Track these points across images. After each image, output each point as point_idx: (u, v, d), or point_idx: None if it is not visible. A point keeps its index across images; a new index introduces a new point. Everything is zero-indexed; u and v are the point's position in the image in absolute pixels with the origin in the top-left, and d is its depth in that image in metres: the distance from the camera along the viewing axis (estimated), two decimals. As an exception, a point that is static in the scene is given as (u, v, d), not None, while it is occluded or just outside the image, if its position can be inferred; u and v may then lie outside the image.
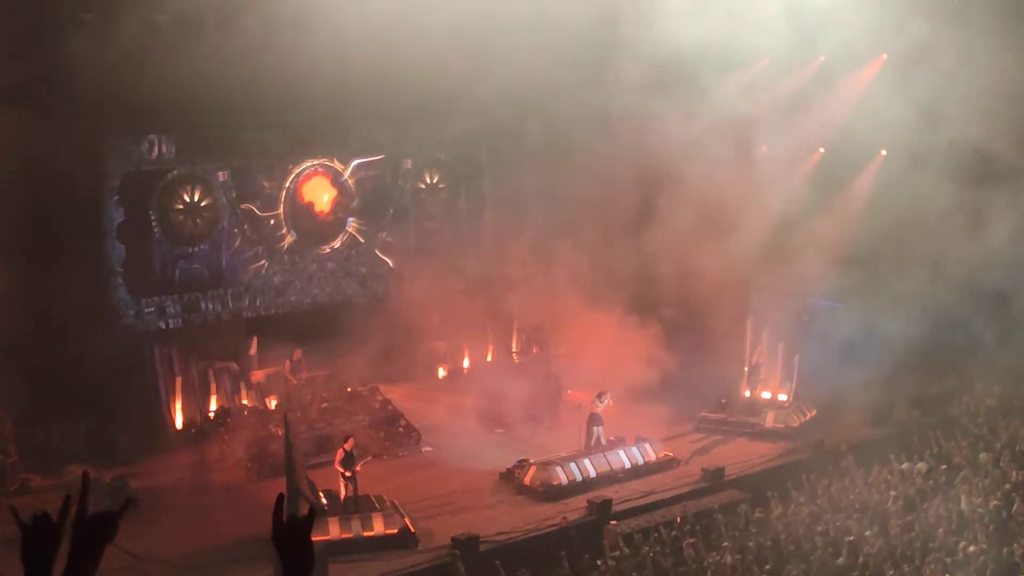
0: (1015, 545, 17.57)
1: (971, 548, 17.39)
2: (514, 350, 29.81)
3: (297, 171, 27.40)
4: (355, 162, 28.28)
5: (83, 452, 23.47)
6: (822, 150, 29.64)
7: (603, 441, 24.06)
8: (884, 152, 29.00)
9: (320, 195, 27.85)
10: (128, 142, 24.80)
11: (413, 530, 20.21)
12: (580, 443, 24.10)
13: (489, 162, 30.61)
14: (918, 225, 25.30)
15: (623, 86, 25.47)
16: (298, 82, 25.84)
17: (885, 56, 28.02)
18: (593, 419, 23.97)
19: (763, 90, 27.94)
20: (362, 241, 28.83)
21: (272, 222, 27.23)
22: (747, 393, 27.46)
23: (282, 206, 27.28)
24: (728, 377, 27.74)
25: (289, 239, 27.53)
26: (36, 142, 22.39)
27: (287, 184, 27.25)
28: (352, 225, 28.60)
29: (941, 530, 18.59)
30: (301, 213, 27.64)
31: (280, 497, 4.52)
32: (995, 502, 19.42)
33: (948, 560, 17.13)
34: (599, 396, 24.09)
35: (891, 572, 17.01)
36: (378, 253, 29.29)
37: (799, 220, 28.64)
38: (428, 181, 29.91)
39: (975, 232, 25.05)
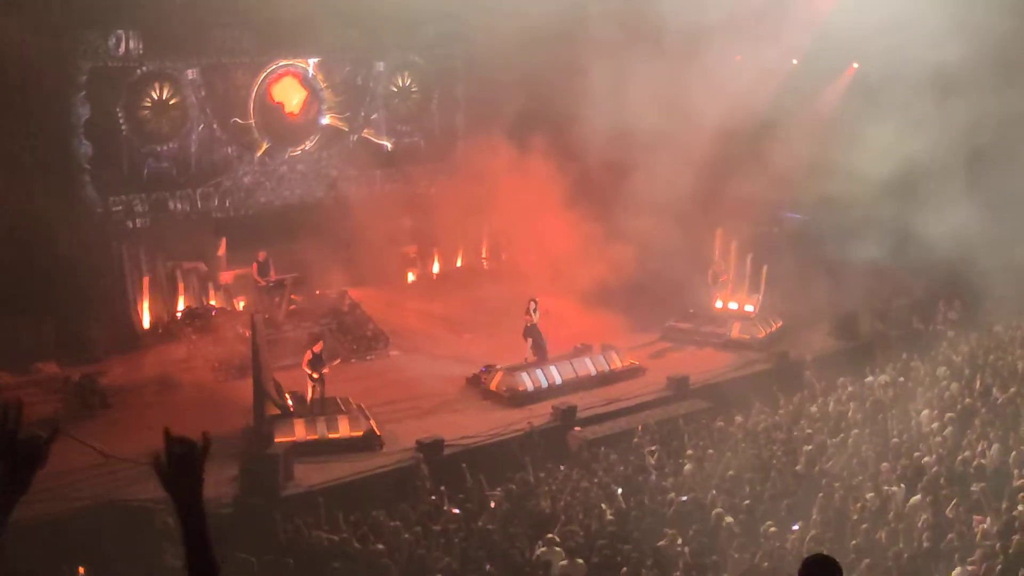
0: (968, 453, 17.93)
1: (925, 459, 17.72)
2: (483, 256, 29.82)
3: (267, 71, 27.04)
4: (315, 60, 27.82)
5: (51, 350, 23.53)
6: (795, 61, 29.53)
7: (544, 345, 23.84)
8: (856, 64, 28.93)
9: (290, 96, 27.53)
10: (95, 36, 24.33)
11: (378, 433, 20.38)
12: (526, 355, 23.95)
13: (463, 66, 30.30)
14: (887, 139, 25.25)
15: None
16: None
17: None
18: (528, 331, 23.81)
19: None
20: (333, 143, 28.60)
21: (241, 122, 26.94)
22: (717, 304, 27.60)
23: (252, 106, 26.97)
24: (696, 287, 27.87)
25: (258, 139, 27.28)
26: (2, 35, 22.02)
27: (257, 84, 26.91)
28: (324, 126, 28.35)
29: (896, 440, 18.91)
30: (271, 113, 27.35)
31: (166, 433, 4.35)
32: (950, 415, 19.73)
33: (903, 471, 17.46)
34: (530, 306, 23.78)
35: (849, 481, 17.32)
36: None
37: (771, 131, 28.61)
38: (401, 84, 29.61)
39: (946, 146, 25.03)
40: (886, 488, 16.82)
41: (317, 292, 26.65)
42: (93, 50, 24.35)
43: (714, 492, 16.99)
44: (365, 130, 29.05)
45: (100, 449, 19.51)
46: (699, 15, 25.50)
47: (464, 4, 27.32)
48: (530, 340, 23.75)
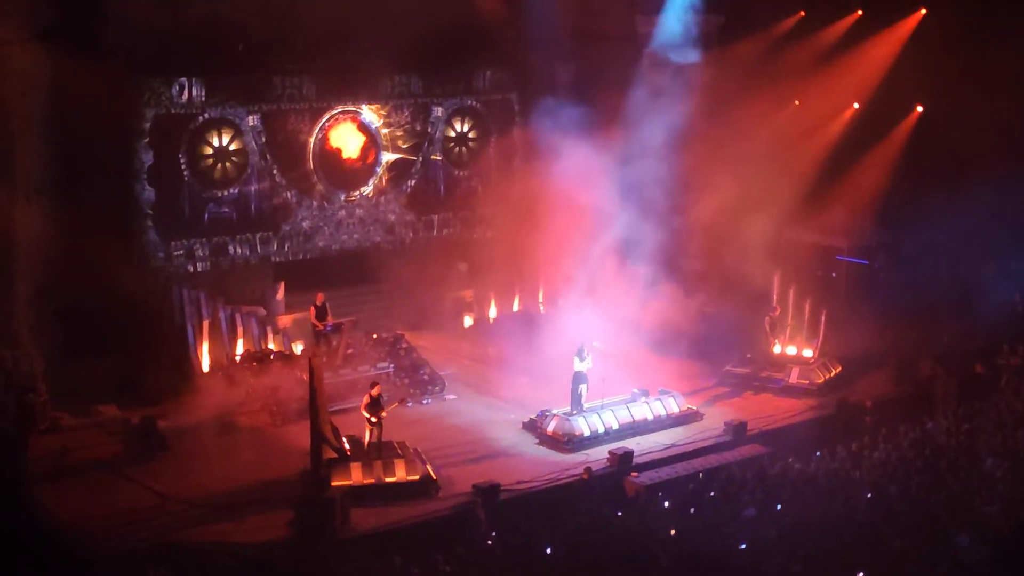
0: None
1: (987, 509, 17.37)
2: (540, 300, 29.80)
3: (327, 116, 27.32)
4: (374, 105, 28.04)
5: (112, 392, 23.79)
6: (856, 105, 29.38)
7: (577, 394, 23.47)
8: (920, 108, 28.73)
9: (349, 141, 27.75)
10: (158, 85, 24.80)
11: (435, 477, 20.39)
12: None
13: (521, 110, 30.42)
14: (948, 181, 25.04)
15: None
16: (330, 27, 25.91)
17: (924, 11, 27.75)
18: (577, 377, 23.55)
19: (798, 43, 27.72)
20: (391, 188, 28.78)
21: (301, 167, 27.21)
22: (775, 349, 27.31)
23: (311, 152, 27.24)
24: (754, 332, 27.64)
25: (318, 185, 27.52)
26: (68, 82, 22.58)
27: (316, 129, 27.19)
28: (381, 172, 28.54)
29: (961, 488, 18.56)
30: (330, 159, 27.59)
31: None
32: (1008, 463, 19.34)
33: (967, 519, 17.13)
34: (579, 352, 23.48)
35: (910, 529, 17.01)
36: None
37: (831, 175, 28.48)
38: (458, 129, 29.79)
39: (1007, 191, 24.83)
40: (947, 538, 16.48)
41: (374, 336, 26.74)
42: (156, 98, 24.81)
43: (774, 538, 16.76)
44: (413, 181, 29.21)
45: (158, 491, 19.68)
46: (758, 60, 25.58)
47: (522, 47, 27.52)
48: (572, 386, 23.55)
